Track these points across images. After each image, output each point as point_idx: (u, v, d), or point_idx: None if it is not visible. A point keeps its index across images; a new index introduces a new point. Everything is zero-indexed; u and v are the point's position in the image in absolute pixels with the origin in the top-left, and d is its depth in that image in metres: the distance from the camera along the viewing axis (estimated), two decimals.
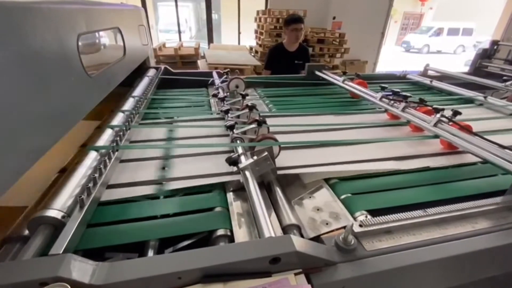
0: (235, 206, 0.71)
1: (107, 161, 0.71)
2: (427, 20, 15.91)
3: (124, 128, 0.87)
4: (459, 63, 10.35)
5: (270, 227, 0.50)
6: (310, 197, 0.79)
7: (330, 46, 5.18)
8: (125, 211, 0.68)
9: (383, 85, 1.35)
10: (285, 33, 2.47)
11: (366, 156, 0.95)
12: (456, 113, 1.01)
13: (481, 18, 13.84)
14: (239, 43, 6.79)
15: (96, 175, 0.62)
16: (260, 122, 0.88)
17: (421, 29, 14.85)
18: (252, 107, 1.03)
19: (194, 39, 10.51)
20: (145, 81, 1.41)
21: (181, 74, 1.86)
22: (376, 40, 6.62)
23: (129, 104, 1.08)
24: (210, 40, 6.50)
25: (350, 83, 1.57)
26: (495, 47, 2.32)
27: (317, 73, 1.89)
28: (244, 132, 0.99)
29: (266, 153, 0.70)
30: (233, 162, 0.67)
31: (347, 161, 0.92)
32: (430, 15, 16.27)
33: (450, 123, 0.99)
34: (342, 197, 0.77)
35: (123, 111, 0.99)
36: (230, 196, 0.75)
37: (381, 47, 6.80)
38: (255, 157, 0.71)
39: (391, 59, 10.93)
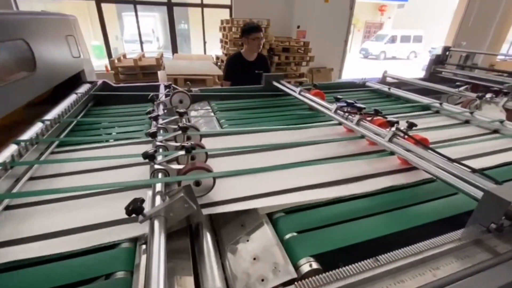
0: (143, 267, 0.54)
1: None
2: (387, 28, 16.94)
3: (3, 167, 0.66)
4: (416, 68, 11.04)
5: None
6: (247, 241, 0.65)
7: (295, 55, 5.21)
8: None
9: (338, 96, 1.27)
10: (245, 42, 2.37)
11: (319, 179, 0.83)
12: (411, 125, 0.93)
13: (431, 26, 15.10)
14: (205, 52, 6.64)
15: None
16: (189, 149, 0.73)
17: (377, 37, 15.79)
18: (185, 128, 0.87)
19: (163, 49, 10.21)
20: (69, 100, 1.20)
21: (123, 89, 1.66)
22: (340, 48, 6.82)
23: (31, 132, 0.87)
24: (174, 50, 6.30)
25: (307, 94, 1.47)
26: (447, 52, 2.38)
27: (275, 83, 1.78)
28: (177, 160, 0.83)
29: (181, 194, 0.55)
30: (134, 210, 0.51)
31: (297, 186, 0.80)
32: (389, 24, 17.33)
33: (406, 137, 0.91)
34: (287, 237, 0.63)
35: (17, 142, 0.78)
36: (140, 250, 0.58)
37: (345, 55, 7.02)
38: (167, 199, 0.55)
39: (354, 66, 11.42)
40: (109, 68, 5.64)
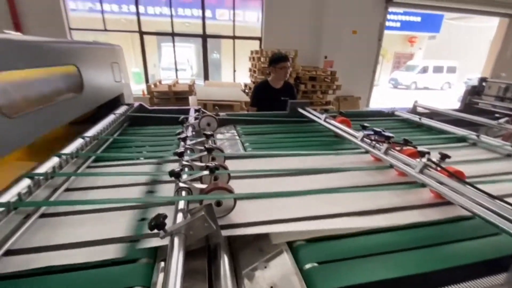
0: (160, 285, 0.54)
1: None
2: (417, 59, 16.75)
3: (44, 178, 0.73)
4: (451, 99, 10.61)
5: None
6: (265, 267, 0.62)
7: (322, 83, 5.27)
8: None
9: (365, 124, 1.24)
10: (272, 71, 2.46)
11: (344, 208, 0.80)
12: (444, 156, 0.88)
13: (466, 57, 14.70)
14: (234, 80, 6.97)
15: None
16: (212, 169, 0.74)
17: (407, 67, 15.70)
18: (210, 149, 0.90)
19: (195, 77, 10.93)
20: (107, 120, 1.31)
21: (157, 111, 1.77)
22: (368, 77, 6.81)
23: (72, 146, 0.95)
24: (206, 77, 6.69)
25: (332, 121, 1.47)
26: (484, 83, 2.28)
27: (300, 110, 1.80)
28: (201, 180, 0.85)
29: (202, 213, 0.55)
30: (157, 225, 0.52)
31: (320, 214, 0.77)
32: (420, 55, 17.12)
33: (439, 169, 0.85)
34: (307, 267, 0.60)
35: (59, 155, 0.86)
36: (159, 267, 0.58)
37: (373, 84, 6.97)
38: (188, 217, 0.56)
39: (383, 95, 11.33)
40: (145, 92, 6.12)
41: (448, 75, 15.21)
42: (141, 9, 6.26)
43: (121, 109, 1.56)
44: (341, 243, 0.68)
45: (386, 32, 6.61)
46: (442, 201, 0.84)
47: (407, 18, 13.46)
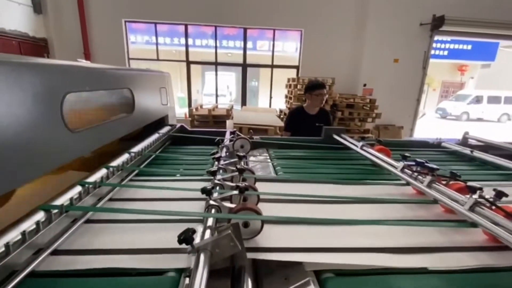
0: None
1: (40, 224, 0.62)
2: (469, 88, 15.62)
3: (92, 186, 0.80)
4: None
5: None
6: None
7: (360, 111, 5.14)
8: None
9: (406, 154, 1.17)
10: (308, 98, 2.49)
11: (379, 242, 0.74)
12: (500, 194, 0.78)
13: None
14: (270, 106, 7.15)
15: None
16: (242, 189, 0.75)
17: (457, 97, 14.69)
18: (242, 170, 0.92)
19: (233, 102, 11.50)
20: (152, 138, 1.42)
21: (196, 133, 1.88)
22: (412, 106, 6.47)
23: (119, 160, 1.05)
24: (244, 103, 6.98)
25: (369, 150, 1.41)
26: None
27: (335, 136, 1.77)
28: (231, 199, 0.87)
29: (229, 231, 0.56)
30: (185, 239, 0.54)
31: (352, 247, 0.72)
32: (471, 84, 15.94)
33: (493, 208, 0.76)
34: None
35: (107, 167, 0.95)
36: (183, 283, 0.59)
37: (417, 113, 6.59)
38: (215, 234, 0.57)
39: (429, 125, 10.65)
40: (187, 115, 6.57)
41: (506, 106, 13.85)
42: (190, 41, 6.93)
43: (165, 129, 1.69)
44: (375, 280, 0.62)
45: (432, 60, 6.33)
46: (498, 245, 0.73)
47: (455, 46, 12.80)
